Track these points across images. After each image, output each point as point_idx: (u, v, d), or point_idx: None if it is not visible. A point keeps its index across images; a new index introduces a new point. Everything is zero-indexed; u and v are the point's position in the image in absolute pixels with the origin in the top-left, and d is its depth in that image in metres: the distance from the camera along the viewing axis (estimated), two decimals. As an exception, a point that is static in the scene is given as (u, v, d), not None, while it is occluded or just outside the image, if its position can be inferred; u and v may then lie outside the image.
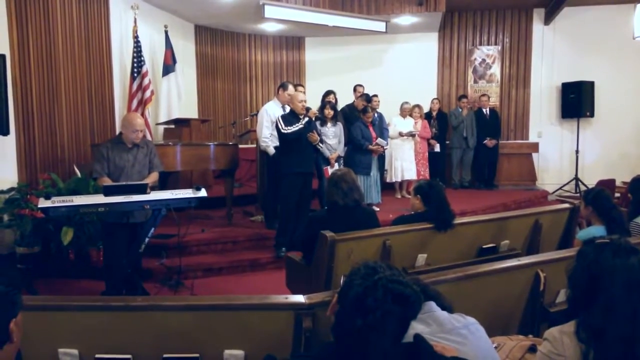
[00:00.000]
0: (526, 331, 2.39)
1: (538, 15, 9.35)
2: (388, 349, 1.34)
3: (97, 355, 1.92)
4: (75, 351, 1.93)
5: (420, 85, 9.33)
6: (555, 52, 9.29)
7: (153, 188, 3.93)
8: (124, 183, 3.87)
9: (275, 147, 5.40)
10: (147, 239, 4.00)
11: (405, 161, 7.59)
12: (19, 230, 4.69)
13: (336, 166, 5.79)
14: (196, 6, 7.70)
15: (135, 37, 6.63)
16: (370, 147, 6.41)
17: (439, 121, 8.56)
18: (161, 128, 7.42)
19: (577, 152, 9.07)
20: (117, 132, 5.46)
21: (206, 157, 5.72)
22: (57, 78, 5.59)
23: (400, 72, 9.45)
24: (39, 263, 4.74)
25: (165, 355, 1.92)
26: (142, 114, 6.37)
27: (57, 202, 3.56)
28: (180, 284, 4.49)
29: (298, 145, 4.99)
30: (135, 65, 6.61)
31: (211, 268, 5.01)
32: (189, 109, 8.31)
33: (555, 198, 8.50)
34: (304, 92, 5.96)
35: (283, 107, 5.63)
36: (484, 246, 3.61)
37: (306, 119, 5.01)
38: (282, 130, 4.95)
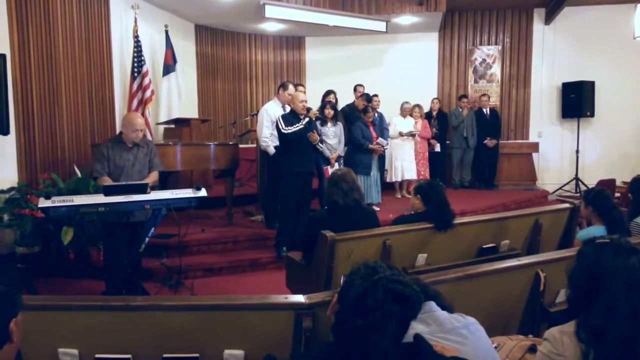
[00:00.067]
0: (526, 331, 2.39)
1: (538, 15, 9.35)
2: (388, 348, 1.34)
3: (97, 355, 1.92)
4: (75, 351, 1.93)
5: (420, 85, 9.33)
6: (556, 52, 9.29)
7: (153, 188, 3.93)
8: (124, 183, 3.87)
9: (276, 147, 5.40)
10: (147, 239, 4.00)
11: (405, 161, 7.59)
12: (19, 230, 4.70)
13: (336, 166, 5.79)
14: (196, 6, 7.70)
15: (136, 36, 6.64)
16: (371, 146, 6.41)
17: (439, 121, 8.56)
18: (161, 128, 7.42)
19: (577, 152, 9.07)
20: (118, 131, 5.46)
21: (206, 156, 5.72)
22: (58, 77, 5.60)
23: (400, 72, 9.45)
24: (39, 263, 4.74)
25: (165, 355, 1.92)
26: (143, 114, 6.37)
27: (57, 201, 3.56)
28: (180, 283, 4.49)
29: (298, 145, 4.99)
30: (135, 65, 6.61)
31: (211, 268, 5.01)
32: (189, 109, 8.31)
33: (556, 198, 8.50)
34: (304, 92, 5.96)
35: (283, 107, 5.63)
36: (484, 246, 3.61)
37: (306, 119, 5.01)
38: (282, 130, 4.95)
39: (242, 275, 5.01)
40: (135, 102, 6.58)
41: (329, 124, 6.09)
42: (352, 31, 8.52)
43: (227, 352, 1.94)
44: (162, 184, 5.11)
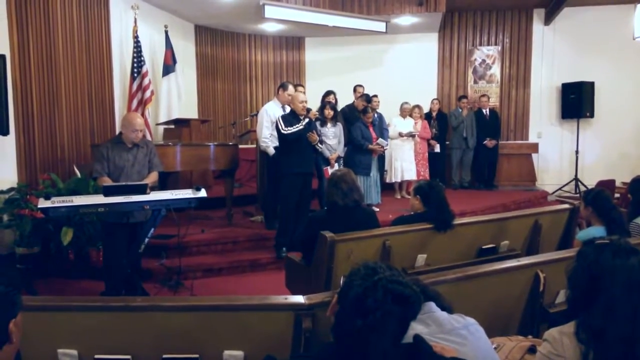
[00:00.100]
0: (526, 332, 2.39)
1: (538, 15, 9.35)
2: (388, 349, 1.34)
3: (97, 356, 1.92)
4: (74, 352, 1.93)
5: (420, 85, 9.34)
6: (556, 53, 9.29)
7: (153, 188, 3.93)
8: (123, 183, 3.87)
9: (275, 148, 5.40)
10: (146, 240, 4.00)
11: (405, 161, 7.59)
12: (19, 231, 4.69)
13: (336, 166, 5.79)
14: (196, 6, 7.70)
15: (136, 37, 6.64)
16: (371, 146, 6.41)
17: (439, 121, 8.56)
18: (161, 128, 7.42)
19: (577, 152, 9.07)
20: (117, 132, 5.46)
21: (206, 157, 5.72)
22: (57, 78, 5.59)
23: (400, 73, 9.46)
24: (39, 263, 4.74)
25: (165, 356, 1.92)
26: (142, 114, 6.37)
27: (56, 202, 3.56)
28: (180, 284, 4.49)
29: (298, 145, 4.99)
30: (135, 65, 6.61)
31: (211, 268, 5.01)
32: (189, 109, 8.32)
33: (555, 198, 8.50)
34: (304, 92, 5.96)
35: (283, 107, 5.63)
36: (484, 247, 3.61)
37: (306, 119, 5.01)
38: (282, 131, 4.95)
39: (242, 276, 5.00)
40: (135, 103, 6.58)
41: (329, 125, 6.09)
42: (352, 31, 8.52)
43: (226, 352, 1.94)
44: (162, 185, 5.11)
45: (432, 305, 1.62)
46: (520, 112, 9.53)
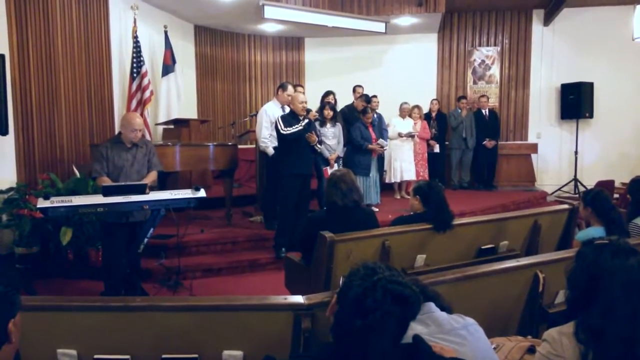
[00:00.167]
0: (525, 332, 2.39)
1: (537, 16, 9.36)
2: (387, 349, 1.34)
3: (96, 356, 1.92)
4: (74, 352, 1.92)
5: (419, 86, 9.34)
6: (555, 53, 9.30)
7: (152, 188, 3.93)
8: (123, 183, 3.87)
9: (275, 148, 5.40)
10: (146, 240, 4.01)
11: (404, 162, 7.59)
12: (18, 231, 4.69)
13: (335, 167, 5.79)
14: (196, 6, 7.70)
15: (135, 37, 6.63)
16: (370, 146, 6.42)
17: (439, 122, 8.57)
18: (160, 128, 7.41)
19: (576, 153, 9.08)
20: (116, 132, 5.45)
21: (205, 157, 5.72)
22: (57, 78, 5.59)
23: (399, 73, 9.46)
24: (38, 263, 4.73)
25: (164, 356, 1.92)
26: (142, 114, 6.37)
27: (56, 202, 3.56)
28: (179, 284, 4.48)
29: (297, 146, 4.99)
30: (134, 65, 6.61)
31: (210, 268, 5.00)
32: (189, 110, 8.31)
33: (554, 199, 8.51)
34: (304, 93, 5.96)
35: (282, 108, 5.63)
36: (483, 247, 3.61)
37: (306, 120, 5.01)
38: (282, 131, 4.95)
39: (241, 276, 5.00)
40: (134, 103, 6.58)
41: (328, 125, 6.10)
42: (352, 32, 8.52)
43: (226, 352, 1.94)
44: (161, 185, 5.10)
45: (431, 305, 1.62)
46: (520, 113, 9.53)
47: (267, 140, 5.54)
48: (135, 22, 6.69)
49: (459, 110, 8.76)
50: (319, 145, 5.27)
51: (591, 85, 8.94)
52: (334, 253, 3.03)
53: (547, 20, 9.23)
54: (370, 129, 6.58)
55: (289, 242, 4.89)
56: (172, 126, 7.07)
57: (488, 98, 9.05)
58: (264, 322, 1.97)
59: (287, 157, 5.04)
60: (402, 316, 1.37)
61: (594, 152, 9.25)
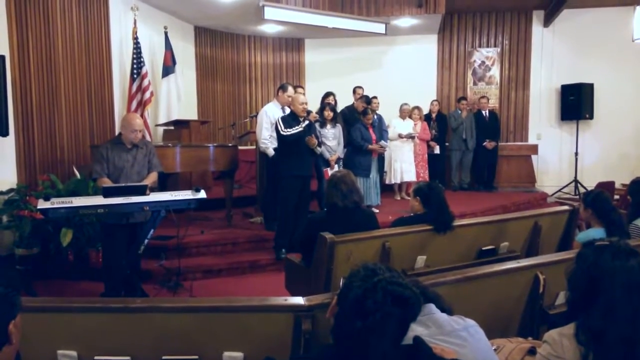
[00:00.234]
0: (525, 333, 2.39)
1: (537, 17, 9.37)
2: (387, 351, 1.34)
3: (96, 357, 1.92)
4: (74, 353, 1.92)
5: (419, 87, 9.35)
6: (555, 54, 9.31)
7: (152, 189, 3.92)
8: (123, 184, 3.87)
9: (275, 149, 5.40)
10: (146, 241, 4.00)
11: (404, 163, 7.59)
12: (18, 232, 4.69)
13: (336, 168, 5.79)
14: (196, 7, 7.70)
15: (135, 38, 6.64)
16: (370, 146, 6.42)
17: (439, 123, 8.57)
18: (161, 129, 7.42)
19: (576, 154, 9.08)
20: (117, 133, 5.45)
21: (206, 158, 5.72)
22: (57, 79, 5.59)
23: (399, 74, 9.46)
24: (38, 264, 4.73)
25: (164, 357, 1.92)
26: (142, 115, 6.36)
27: (56, 203, 3.56)
28: (179, 285, 4.48)
29: (297, 147, 4.99)
30: (134, 66, 6.61)
31: (210, 269, 5.00)
32: (189, 111, 8.32)
33: (555, 200, 8.51)
34: (304, 94, 5.95)
35: (283, 109, 5.63)
36: (484, 248, 3.61)
37: (306, 122, 5.01)
38: (282, 132, 4.95)
39: (242, 277, 5.00)
40: (134, 104, 6.58)
41: (328, 126, 6.10)
42: (352, 33, 8.53)
43: (226, 354, 1.93)
44: (162, 186, 5.10)
45: (432, 306, 1.62)
46: (520, 114, 9.54)
47: (268, 142, 5.54)
48: (135, 23, 6.69)
49: (459, 112, 8.76)
50: (318, 148, 5.26)
51: (591, 86, 8.94)
52: (334, 254, 3.03)
53: (547, 21, 9.23)
54: (371, 130, 6.58)
55: (289, 243, 4.89)
56: (172, 127, 7.07)
57: (488, 99, 9.05)
58: (264, 323, 1.96)
59: (287, 159, 5.04)
60: (403, 317, 1.37)
61: (594, 153, 9.25)
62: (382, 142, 6.52)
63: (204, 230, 5.61)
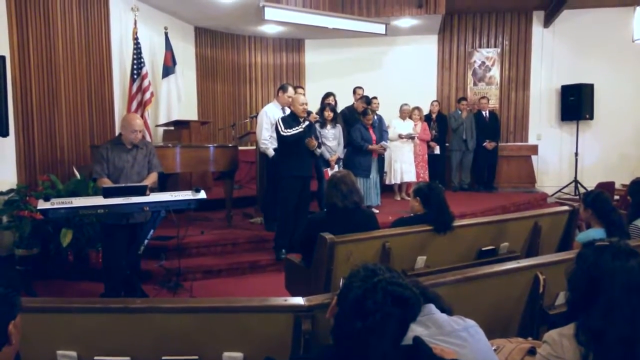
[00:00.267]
0: (525, 334, 2.39)
1: (537, 17, 9.37)
2: (387, 351, 1.34)
3: (96, 358, 1.92)
4: (74, 353, 1.92)
5: (419, 87, 9.35)
6: (555, 55, 9.31)
7: (152, 189, 3.93)
8: (123, 185, 3.86)
9: (275, 149, 5.40)
10: (146, 241, 4.00)
11: (404, 163, 7.59)
12: (18, 232, 4.68)
13: (336, 168, 5.79)
14: (196, 8, 7.70)
15: (135, 38, 6.64)
16: (371, 147, 6.42)
17: (439, 123, 8.57)
18: (161, 130, 7.42)
19: (576, 154, 9.08)
20: (117, 133, 5.45)
21: (206, 159, 5.72)
22: (57, 79, 5.59)
23: (400, 75, 9.46)
24: (38, 265, 4.73)
25: (164, 358, 1.92)
26: (142, 116, 6.37)
27: (56, 203, 3.56)
28: (179, 285, 4.48)
29: (297, 148, 4.99)
30: (135, 66, 6.61)
31: (210, 270, 5.00)
32: (189, 111, 8.32)
33: (555, 200, 8.51)
34: (304, 94, 5.95)
35: (283, 109, 5.63)
36: (484, 248, 3.61)
37: (306, 122, 5.01)
38: (282, 133, 4.95)
39: (242, 278, 5.00)
40: (134, 104, 6.58)
41: (328, 126, 6.10)
42: (352, 33, 8.53)
43: (226, 354, 1.93)
44: (162, 186, 5.10)
45: (431, 307, 1.62)
46: (520, 114, 9.54)
47: (268, 142, 5.54)
48: (135, 23, 6.69)
49: (459, 112, 8.75)
50: (318, 150, 5.26)
51: (591, 86, 8.94)
52: (334, 254, 3.03)
53: (547, 21, 9.23)
54: (371, 131, 6.58)
55: (289, 243, 4.89)
56: (172, 127, 7.07)
57: (488, 99, 9.05)
58: (264, 323, 1.96)
59: (287, 159, 5.04)
60: (403, 318, 1.37)
61: (594, 154, 9.25)
62: (383, 143, 6.53)
63: (204, 231, 5.61)
